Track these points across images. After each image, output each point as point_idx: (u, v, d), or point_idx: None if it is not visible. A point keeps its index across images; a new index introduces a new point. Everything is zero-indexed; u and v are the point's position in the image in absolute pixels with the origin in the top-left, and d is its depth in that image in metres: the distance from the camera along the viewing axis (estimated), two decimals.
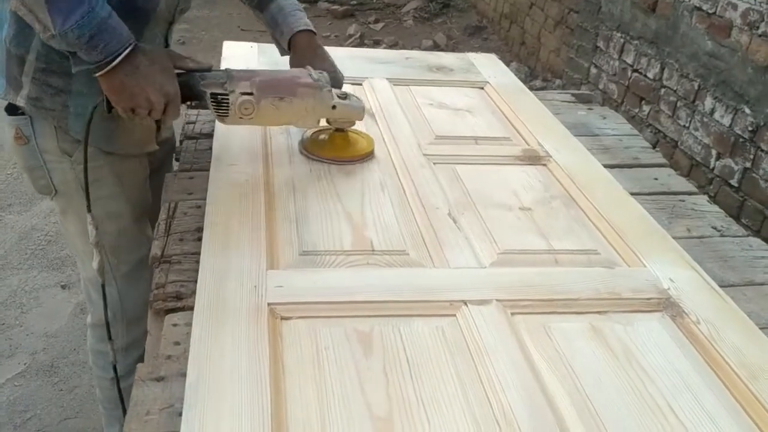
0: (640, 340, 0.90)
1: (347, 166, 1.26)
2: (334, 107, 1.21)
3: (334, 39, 5.23)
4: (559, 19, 4.30)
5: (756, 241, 1.26)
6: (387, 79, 1.65)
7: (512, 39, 5.09)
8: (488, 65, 1.81)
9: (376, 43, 5.14)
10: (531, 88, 1.76)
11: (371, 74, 1.67)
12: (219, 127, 1.33)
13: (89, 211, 1.13)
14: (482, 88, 1.68)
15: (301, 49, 1.31)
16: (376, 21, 5.56)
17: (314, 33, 1.32)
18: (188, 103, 1.15)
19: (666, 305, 0.97)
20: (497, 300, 0.93)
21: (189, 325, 0.85)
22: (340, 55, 1.84)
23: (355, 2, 5.95)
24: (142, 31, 1.12)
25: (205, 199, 1.11)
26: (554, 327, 0.91)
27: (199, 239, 1.02)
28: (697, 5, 2.92)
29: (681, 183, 1.46)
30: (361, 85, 1.63)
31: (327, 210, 1.12)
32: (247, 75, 1.14)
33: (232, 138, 1.30)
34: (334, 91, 1.21)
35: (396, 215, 1.12)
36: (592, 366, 0.85)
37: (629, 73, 3.47)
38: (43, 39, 0.99)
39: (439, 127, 1.44)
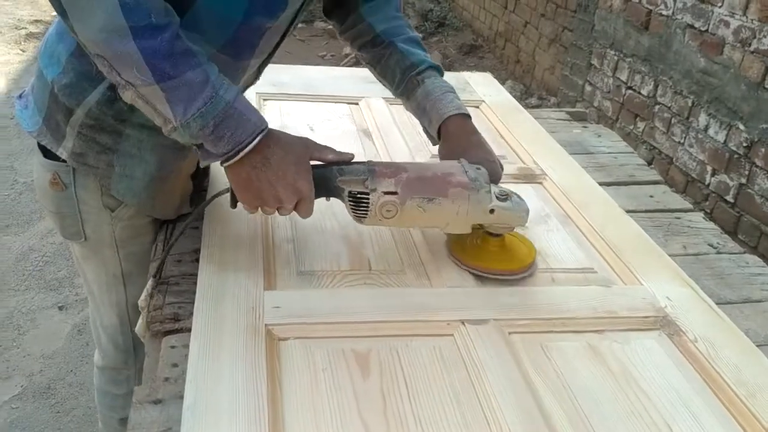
0: (638, 358, 0.90)
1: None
2: (491, 211, 0.99)
3: (331, 58, 5.26)
4: (554, 37, 4.33)
5: (752, 258, 1.27)
6: (383, 98, 1.66)
7: (507, 57, 5.13)
8: (483, 84, 1.82)
9: None
10: (526, 106, 1.78)
11: (368, 93, 1.68)
12: None
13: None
14: (477, 107, 1.69)
15: (452, 136, 1.11)
16: None
17: (468, 116, 1.13)
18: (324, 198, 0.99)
19: (663, 323, 0.97)
20: (494, 319, 0.93)
21: (187, 346, 0.85)
22: (337, 75, 1.87)
23: None
24: (248, 61, 1.03)
25: (202, 219, 1.12)
26: (551, 346, 0.91)
27: (197, 260, 1.02)
28: (690, 23, 2.95)
29: (676, 200, 1.47)
30: (357, 104, 1.64)
31: (324, 229, 1.12)
32: (392, 171, 0.97)
33: None
34: (494, 190, 1.00)
35: (393, 234, 1.13)
36: (589, 385, 0.85)
37: (623, 90, 3.50)
38: (165, 133, 0.87)
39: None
